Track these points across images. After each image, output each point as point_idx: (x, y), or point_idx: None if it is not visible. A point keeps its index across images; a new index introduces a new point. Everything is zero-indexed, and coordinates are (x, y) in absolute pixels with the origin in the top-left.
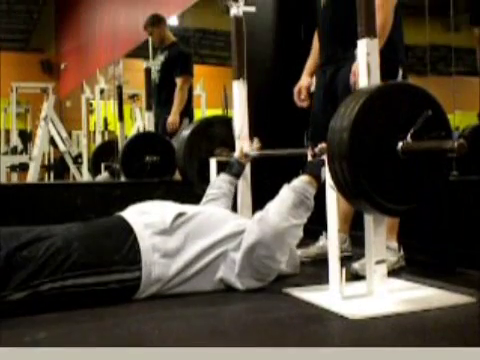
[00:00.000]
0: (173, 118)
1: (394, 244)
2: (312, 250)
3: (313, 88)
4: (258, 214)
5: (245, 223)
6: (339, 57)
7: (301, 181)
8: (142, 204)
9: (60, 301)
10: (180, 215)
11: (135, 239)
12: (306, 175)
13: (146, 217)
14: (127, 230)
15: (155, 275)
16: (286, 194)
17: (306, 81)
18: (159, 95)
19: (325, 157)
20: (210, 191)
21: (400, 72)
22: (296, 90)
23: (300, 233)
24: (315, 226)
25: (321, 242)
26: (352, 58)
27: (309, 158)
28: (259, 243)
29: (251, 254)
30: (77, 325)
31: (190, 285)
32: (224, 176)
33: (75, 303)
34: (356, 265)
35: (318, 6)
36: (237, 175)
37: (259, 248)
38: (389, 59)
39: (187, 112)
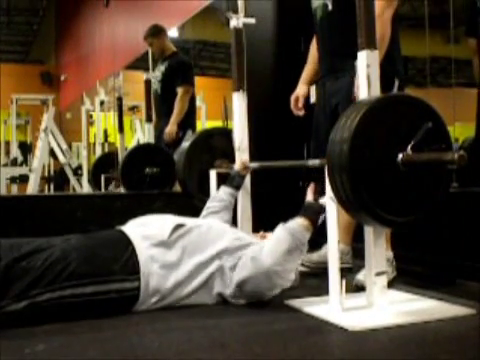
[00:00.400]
0: (170, 128)
1: (389, 253)
2: (314, 257)
3: (313, 99)
4: (252, 251)
5: (243, 238)
6: (337, 68)
7: (299, 225)
8: (141, 218)
9: (59, 312)
10: (178, 227)
11: (133, 250)
12: (304, 218)
13: (144, 229)
14: (125, 241)
15: (153, 286)
16: (283, 236)
17: (303, 89)
18: (161, 106)
19: (324, 201)
20: (211, 204)
21: (396, 83)
22: (293, 98)
23: (292, 276)
24: (318, 237)
25: (324, 250)
26: (351, 69)
27: (309, 197)
28: (249, 281)
29: (241, 287)
30: (76, 337)
31: (189, 301)
32: (225, 188)
33: (74, 314)
34: (361, 276)
35: (315, 18)
36: (238, 187)
37: (249, 285)
38: (385, 70)
39: (191, 123)
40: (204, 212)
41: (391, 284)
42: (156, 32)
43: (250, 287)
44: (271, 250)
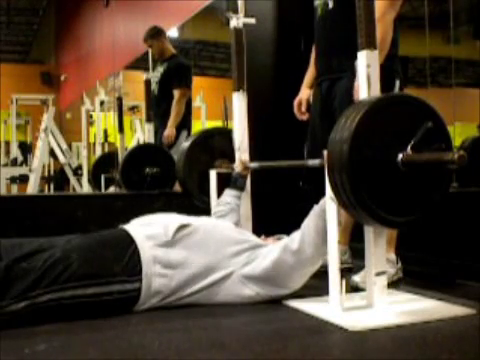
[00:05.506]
0: (169, 131)
1: (392, 256)
2: None
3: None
4: (294, 244)
5: (249, 239)
6: (334, 68)
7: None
8: (145, 217)
9: (59, 312)
10: (182, 227)
11: (136, 250)
12: None
13: (148, 229)
14: (127, 241)
15: (155, 287)
16: (322, 227)
17: (306, 93)
18: (158, 107)
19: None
20: (218, 208)
21: (397, 83)
22: (296, 103)
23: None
24: None
25: None
26: (348, 70)
27: None
28: (284, 271)
29: (268, 276)
30: (76, 336)
31: (192, 300)
32: (229, 191)
33: (74, 314)
34: (356, 278)
35: (315, 17)
36: (242, 188)
37: (280, 275)
38: (386, 70)
39: (186, 124)
40: (213, 218)
41: (394, 285)
42: (155, 34)
43: (280, 275)
44: (313, 242)
